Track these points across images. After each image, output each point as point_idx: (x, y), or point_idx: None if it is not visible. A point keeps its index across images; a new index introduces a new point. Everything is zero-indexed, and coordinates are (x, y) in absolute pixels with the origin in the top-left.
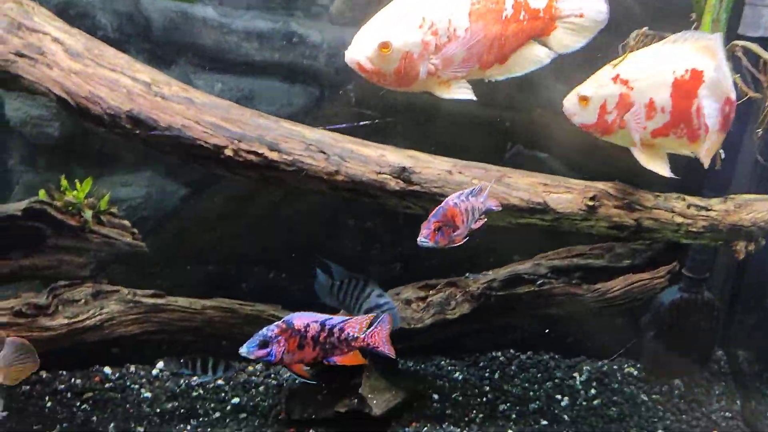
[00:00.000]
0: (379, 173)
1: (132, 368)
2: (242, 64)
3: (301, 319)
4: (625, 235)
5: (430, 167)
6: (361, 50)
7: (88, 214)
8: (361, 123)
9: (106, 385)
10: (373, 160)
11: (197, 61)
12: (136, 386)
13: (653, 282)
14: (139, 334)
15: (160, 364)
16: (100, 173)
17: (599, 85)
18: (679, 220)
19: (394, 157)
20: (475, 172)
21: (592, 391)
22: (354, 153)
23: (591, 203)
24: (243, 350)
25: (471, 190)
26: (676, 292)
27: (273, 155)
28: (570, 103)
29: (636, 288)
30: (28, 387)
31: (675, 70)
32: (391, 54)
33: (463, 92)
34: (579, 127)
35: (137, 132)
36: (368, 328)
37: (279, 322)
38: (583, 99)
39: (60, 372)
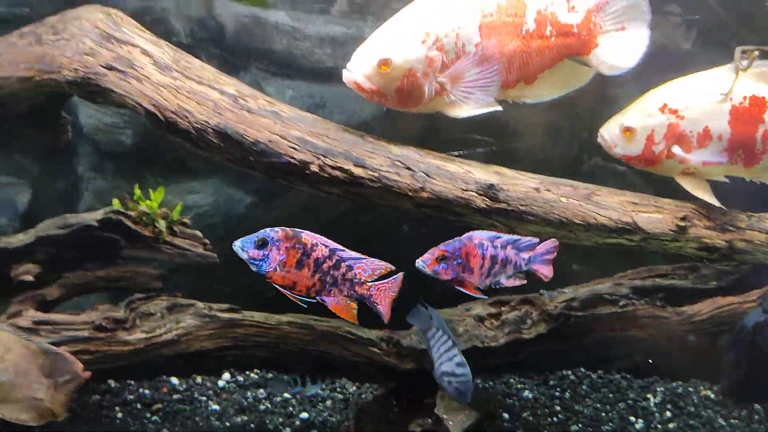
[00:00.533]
0: (465, 190)
1: (198, 379)
2: (314, 71)
3: (311, 236)
4: (714, 257)
5: (517, 184)
6: (358, 69)
7: (162, 224)
8: (479, 150)
9: (174, 396)
10: (459, 176)
11: (268, 67)
12: (204, 398)
13: (743, 306)
14: (215, 350)
15: (226, 376)
16: (168, 180)
17: (647, 115)
18: None
19: (481, 173)
20: (564, 190)
21: (668, 413)
22: (440, 169)
23: (682, 223)
24: (237, 244)
25: (517, 239)
26: (760, 314)
27: (358, 171)
28: (611, 134)
29: (725, 312)
30: (98, 396)
31: (732, 97)
32: (392, 72)
33: (478, 106)
34: (620, 158)
35: (223, 146)
36: (379, 280)
37: (286, 228)
38: (628, 130)
39: (128, 381)
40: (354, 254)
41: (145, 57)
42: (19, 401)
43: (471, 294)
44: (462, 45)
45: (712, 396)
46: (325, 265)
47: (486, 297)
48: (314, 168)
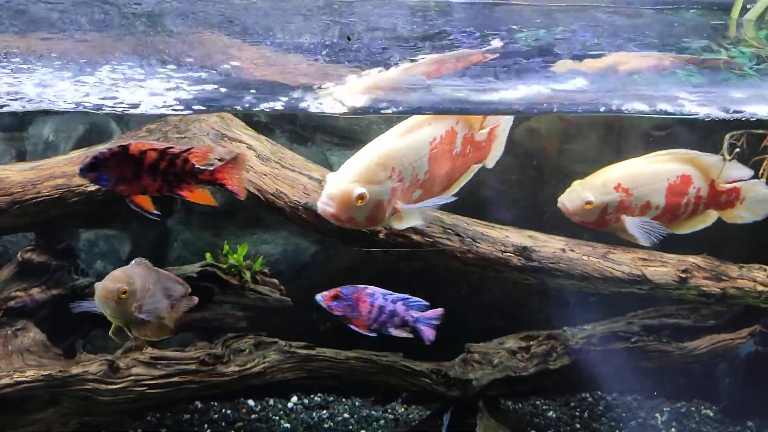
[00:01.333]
0: (504, 252)
1: (271, 401)
2: (349, 137)
3: (137, 144)
4: (711, 301)
5: (547, 246)
6: (336, 203)
7: (247, 275)
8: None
9: (252, 416)
10: (498, 240)
11: (332, 138)
12: (276, 418)
13: (735, 341)
14: (293, 380)
15: (294, 399)
16: (244, 232)
17: (604, 193)
18: (760, 288)
19: (516, 237)
20: (585, 249)
21: (673, 430)
22: (483, 235)
23: (683, 275)
24: (78, 170)
25: (408, 298)
26: (751, 345)
27: (417, 238)
28: (573, 205)
29: (720, 347)
30: (188, 416)
31: (669, 177)
32: (366, 204)
33: (415, 219)
34: (576, 222)
35: (309, 219)
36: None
37: (113, 145)
38: (589, 203)
39: (212, 403)
40: (185, 147)
41: (250, 151)
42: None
43: (361, 332)
44: (416, 174)
45: (711, 414)
46: (161, 167)
47: (375, 336)
48: (382, 236)
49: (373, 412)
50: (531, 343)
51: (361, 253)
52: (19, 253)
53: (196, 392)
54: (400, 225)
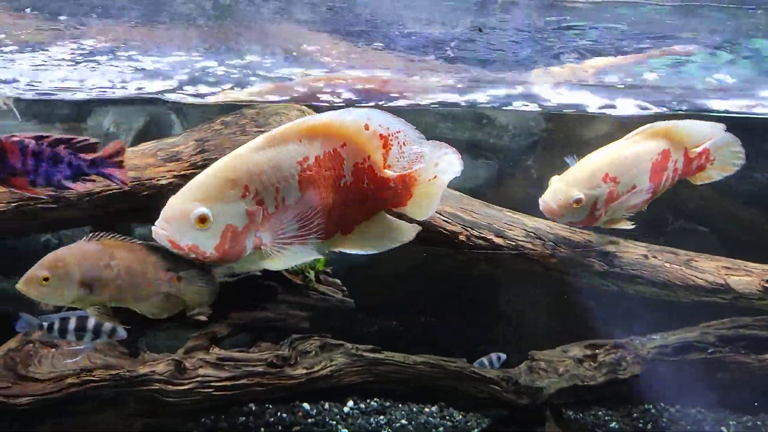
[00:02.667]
0: (587, 257)
1: (326, 405)
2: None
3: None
4: None
5: (629, 252)
6: (173, 225)
7: (311, 274)
8: None
9: (309, 420)
10: (581, 246)
11: None
12: (333, 422)
13: None
14: (360, 383)
15: (350, 403)
16: None
17: (593, 187)
18: None
19: (600, 242)
20: (667, 257)
21: None
22: (566, 239)
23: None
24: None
25: (71, 138)
26: None
27: (499, 240)
28: (560, 205)
29: None
30: (243, 418)
31: (651, 157)
32: (210, 228)
33: (296, 258)
34: (565, 224)
35: None
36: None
37: None
38: (578, 202)
39: (266, 405)
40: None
41: None
42: (147, 298)
43: (30, 194)
44: (282, 198)
45: None
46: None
47: None
48: (462, 238)
49: (430, 418)
50: (596, 351)
51: (414, 258)
52: None
53: (262, 395)
54: (271, 263)
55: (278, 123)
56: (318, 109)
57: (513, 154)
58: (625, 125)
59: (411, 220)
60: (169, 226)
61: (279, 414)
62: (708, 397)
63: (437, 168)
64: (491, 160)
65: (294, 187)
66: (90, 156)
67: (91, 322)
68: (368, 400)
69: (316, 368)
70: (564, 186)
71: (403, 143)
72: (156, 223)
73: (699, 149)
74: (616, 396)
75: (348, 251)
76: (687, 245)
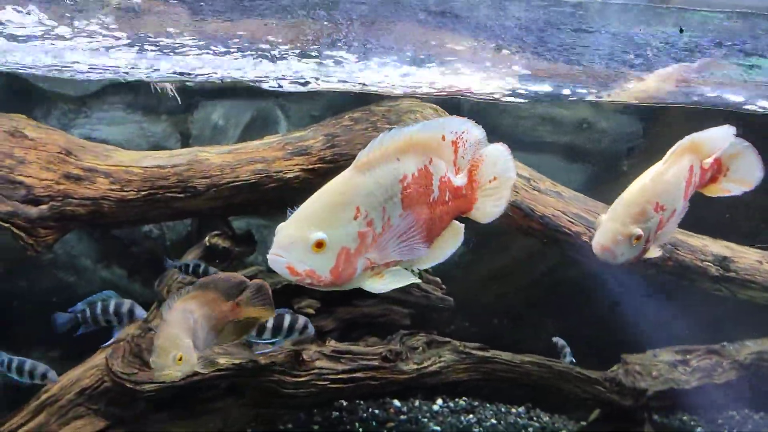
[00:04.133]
0: (702, 261)
1: (416, 402)
2: (534, 144)
3: None
4: None
5: (745, 257)
6: (290, 252)
7: (415, 271)
8: None
9: (401, 417)
10: (698, 249)
11: (494, 139)
12: (425, 419)
13: None
14: (467, 381)
15: (439, 401)
16: None
17: (647, 220)
18: None
19: (715, 247)
20: None
21: None
22: (683, 243)
23: None
24: None
25: None
26: None
27: None
28: (619, 247)
29: None
30: (337, 413)
31: (685, 175)
32: (326, 252)
33: (402, 281)
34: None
35: (516, 217)
36: None
37: None
38: (638, 239)
39: (358, 402)
40: None
41: None
42: (223, 330)
43: None
44: (388, 218)
45: None
46: None
47: None
48: (585, 238)
49: (518, 419)
50: (688, 356)
51: (513, 257)
52: (207, 238)
53: (375, 389)
54: (378, 286)
55: (413, 120)
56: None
57: (610, 159)
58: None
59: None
60: (287, 253)
61: (371, 410)
62: None
63: (496, 168)
64: (587, 164)
65: (398, 205)
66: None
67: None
68: (456, 399)
69: (425, 364)
70: (620, 226)
71: (466, 141)
72: (271, 251)
73: (710, 159)
74: (708, 401)
75: (425, 265)
76: None
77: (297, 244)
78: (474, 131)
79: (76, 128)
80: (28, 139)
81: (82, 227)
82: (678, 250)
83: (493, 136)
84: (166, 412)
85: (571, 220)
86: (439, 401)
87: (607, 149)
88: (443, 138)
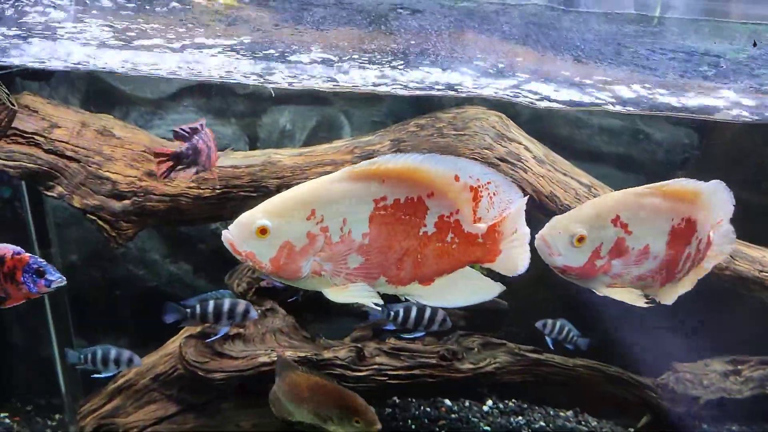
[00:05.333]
0: (761, 272)
1: (467, 402)
2: (588, 153)
3: None
4: None
5: None
6: (237, 231)
7: None
8: None
9: (452, 416)
10: (757, 260)
11: (551, 147)
12: (475, 419)
13: None
14: (521, 383)
15: (489, 402)
16: None
17: (599, 227)
18: None
19: None
20: None
21: None
22: (742, 253)
23: None
24: None
25: None
26: None
27: None
28: (557, 242)
29: None
30: (390, 410)
31: (673, 217)
32: (270, 240)
33: (358, 296)
34: (556, 269)
35: None
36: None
37: None
38: (580, 239)
39: (410, 399)
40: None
41: (527, 152)
42: None
43: None
44: (348, 231)
45: None
46: None
47: None
48: None
49: (567, 423)
50: (739, 367)
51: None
52: None
53: (431, 386)
54: (338, 296)
55: (479, 127)
56: None
57: (663, 170)
58: None
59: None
60: (234, 231)
61: (423, 408)
62: None
63: (517, 222)
64: (641, 174)
65: (363, 221)
66: None
67: (226, 305)
68: (506, 401)
69: (481, 364)
70: (564, 220)
71: (494, 194)
72: (224, 231)
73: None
74: (760, 411)
75: (426, 302)
76: None
77: (244, 226)
78: (502, 183)
79: (152, 129)
80: (115, 138)
81: (160, 223)
82: (736, 260)
83: (550, 144)
84: (233, 401)
85: None
86: (489, 402)
87: (662, 160)
88: (456, 178)
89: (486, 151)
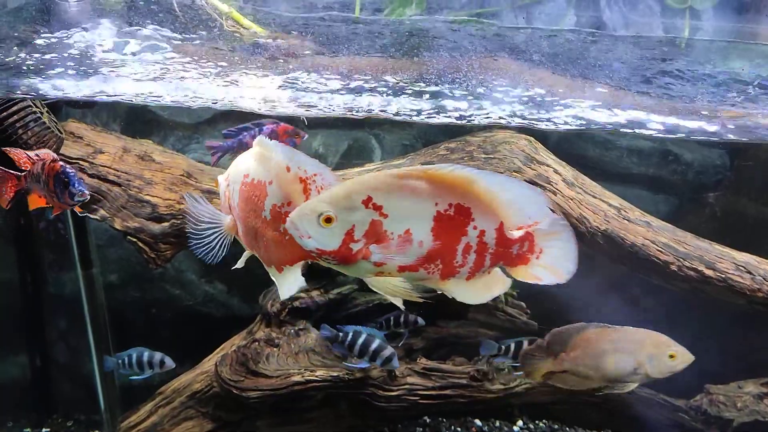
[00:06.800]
0: None
1: (497, 423)
2: (618, 174)
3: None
4: None
5: None
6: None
7: (502, 296)
8: None
9: None
10: None
11: (581, 169)
12: None
13: None
14: (549, 402)
15: (519, 423)
16: None
17: (348, 207)
18: None
19: None
20: None
21: None
22: None
23: None
24: None
25: None
26: None
27: (709, 272)
28: (306, 221)
29: None
30: (421, 429)
31: (437, 201)
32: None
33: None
34: (313, 252)
35: (606, 246)
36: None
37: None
38: (327, 221)
39: (440, 419)
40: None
41: (556, 175)
42: None
43: None
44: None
45: None
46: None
47: None
48: (674, 268)
49: None
50: None
51: (599, 282)
52: None
53: (462, 407)
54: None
55: (508, 151)
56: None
57: (695, 191)
58: None
59: None
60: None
61: (453, 427)
62: None
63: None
64: (672, 196)
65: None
66: None
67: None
68: (537, 421)
69: (512, 384)
70: (314, 201)
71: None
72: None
73: (519, 232)
74: None
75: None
76: None
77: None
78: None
79: (190, 153)
80: (155, 162)
81: None
82: None
83: (579, 166)
84: (267, 419)
85: (660, 249)
86: (520, 422)
87: (693, 181)
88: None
89: (516, 174)
